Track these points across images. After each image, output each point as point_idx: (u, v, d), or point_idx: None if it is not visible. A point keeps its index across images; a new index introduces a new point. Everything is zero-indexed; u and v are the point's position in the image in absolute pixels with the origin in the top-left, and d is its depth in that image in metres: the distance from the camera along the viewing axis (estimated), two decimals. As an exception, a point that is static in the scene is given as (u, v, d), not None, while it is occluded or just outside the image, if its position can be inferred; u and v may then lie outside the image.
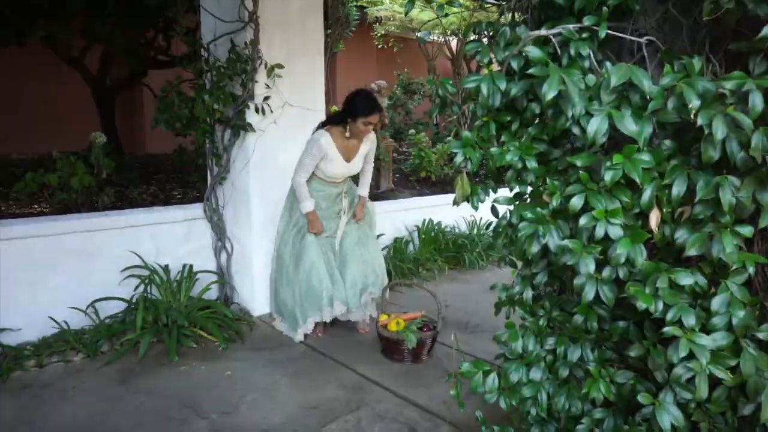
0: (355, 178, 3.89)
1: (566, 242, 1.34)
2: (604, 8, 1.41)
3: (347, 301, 3.62)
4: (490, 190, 1.86)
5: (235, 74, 3.75)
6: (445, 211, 5.74)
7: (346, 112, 3.45)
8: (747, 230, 1.23)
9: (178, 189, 5.73)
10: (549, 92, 1.28)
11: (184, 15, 4.09)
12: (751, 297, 1.31)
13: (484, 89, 1.48)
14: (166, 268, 3.98)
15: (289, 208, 3.79)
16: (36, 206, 4.84)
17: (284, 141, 4.09)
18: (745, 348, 1.26)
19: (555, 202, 1.39)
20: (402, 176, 7.07)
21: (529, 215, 1.45)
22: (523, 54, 1.47)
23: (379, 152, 6.16)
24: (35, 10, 4.22)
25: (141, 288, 3.78)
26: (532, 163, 1.50)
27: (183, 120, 3.76)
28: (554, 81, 1.28)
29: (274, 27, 3.93)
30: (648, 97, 1.26)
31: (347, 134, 3.49)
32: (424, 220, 5.65)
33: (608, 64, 1.30)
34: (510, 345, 1.67)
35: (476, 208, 1.75)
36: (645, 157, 1.26)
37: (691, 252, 1.26)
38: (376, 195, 5.95)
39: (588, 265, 1.31)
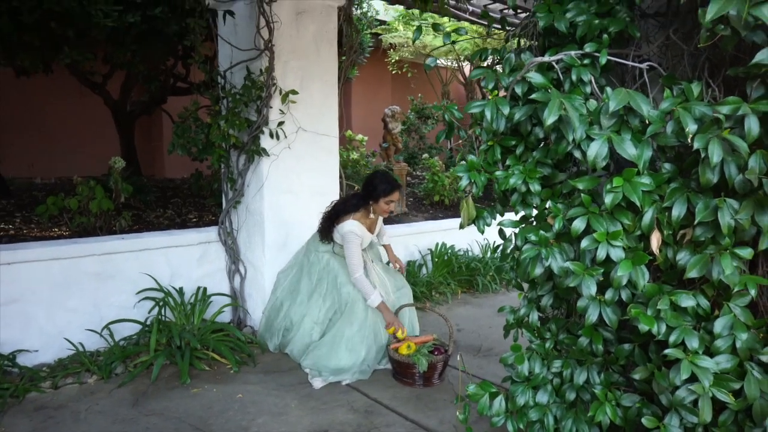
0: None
1: (568, 264, 1.35)
2: (605, 36, 1.45)
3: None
4: (497, 214, 1.89)
5: (250, 100, 3.85)
6: (458, 234, 5.74)
7: (368, 195, 3.54)
8: (746, 252, 1.23)
9: (194, 213, 5.83)
10: (549, 117, 1.31)
11: (202, 43, 4.22)
12: (756, 320, 1.30)
13: (487, 114, 1.52)
14: (180, 291, 4.03)
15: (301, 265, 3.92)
16: (56, 229, 4.96)
17: (298, 165, 4.17)
18: (749, 371, 1.24)
19: (558, 225, 1.41)
20: (416, 200, 7.11)
21: (532, 238, 1.47)
22: (527, 80, 1.51)
23: (393, 176, 6.22)
24: (61, 40, 4.39)
25: (155, 310, 3.83)
26: (535, 186, 1.52)
27: (199, 145, 3.85)
28: (554, 106, 1.31)
29: (289, 54, 4.04)
30: (647, 122, 1.29)
31: (371, 215, 3.62)
32: (437, 243, 5.65)
33: (608, 89, 1.33)
34: (516, 367, 1.67)
35: (482, 232, 1.77)
36: (645, 180, 1.28)
37: (692, 274, 1.26)
38: (389, 219, 5.99)
39: (590, 287, 1.32)
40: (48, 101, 7.72)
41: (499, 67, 1.85)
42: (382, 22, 7.55)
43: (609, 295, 1.35)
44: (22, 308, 3.49)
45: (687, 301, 1.27)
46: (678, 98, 1.28)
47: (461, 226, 1.77)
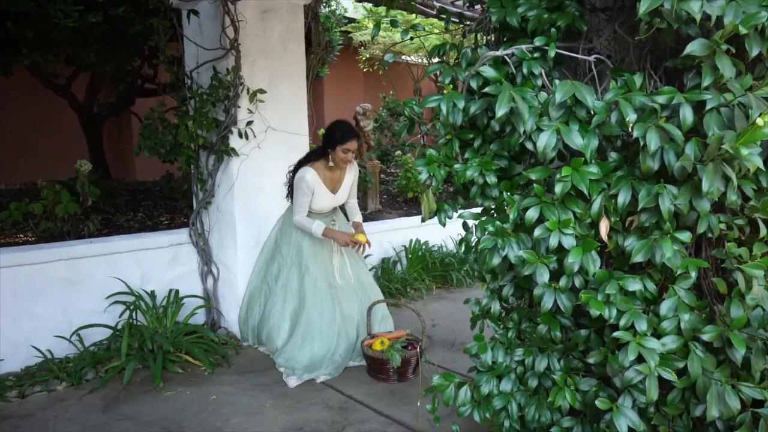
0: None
1: (521, 253, 1.39)
2: (553, 29, 1.48)
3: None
4: (459, 206, 1.92)
5: (218, 100, 3.82)
6: (433, 230, 5.78)
7: (326, 143, 3.54)
8: (685, 236, 1.29)
9: (166, 215, 5.75)
10: (500, 109, 1.34)
11: (168, 44, 4.17)
12: (700, 301, 1.36)
13: (443, 108, 1.54)
14: (152, 294, 3.99)
15: (272, 247, 3.86)
16: (21, 235, 4.84)
17: (268, 164, 4.15)
18: (692, 350, 1.30)
19: (513, 215, 1.44)
20: (389, 197, 7.13)
21: (490, 229, 1.50)
22: (481, 74, 1.54)
23: (366, 174, 6.22)
24: (20, 41, 4.29)
25: (126, 314, 3.78)
26: (492, 179, 1.55)
27: (167, 146, 3.81)
28: (504, 98, 1.34)
29: (256, 54, 4.02)
30: (592, 112, 1.33)
31: (330, 164, 3.55)
32: (411, 240, 5.69)
33: (556, 81, 1.37)
34: (480, 357, 1.70)
35: (443, 224, 1.80)
36: (592, 169, 1.32)
37: (637, 258, 1.31)
38: (363, 216, 5.99)
39: (543, 275, 1.35)
40: (10, 104, 7.52)
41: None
42: (352, 20, 7.55)
43: (563, 282, 1.39)
44: (-15, 317, 3.41)
45: (634, 285, 1.32)
46: (621, 89, 1.32)
47: (423, 220, 1.80)
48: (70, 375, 3.40)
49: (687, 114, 1.20)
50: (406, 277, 5.30)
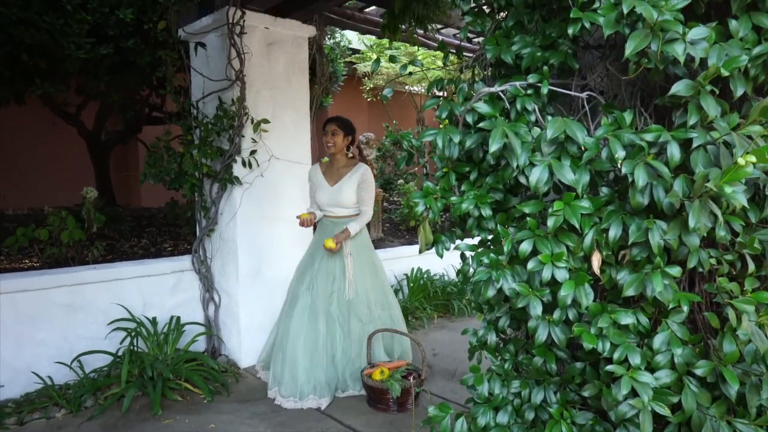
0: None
1: (515, 285, 1.41)
2: (545, 67, 1.53)
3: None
4: (457, 238, 1.94)
5: (222, 130, 3.90)
6: (434, 259, 5.79)
7: None
8: (675, 270, 1.30)
9: (169, 242, 5.79)
10: (493, 144, 1.38)
11: (175, 74, 4.28)
12: (694, 335, 1.36)
13: (439, 142, 1.58)
14: (153, 321, 4.00)
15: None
16: (27, 261, 4.89)
17: (270, 193, 4.20)
18: (687, 385, 1.30)
19: (507, 248, 1.47)
20: (392, 225, 7.16)
21: (485, 261, 1.52)
22: (476, 109, 1.58)
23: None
24: (33, 71, 4.41)
25: (127, 341, 3.78)
26: (486, 211, 1.58)
27: (171, 174, 3.87)
28: (497, 134, 1.38)
29: (261, 84, 4.11)
30: (583, 148, 1.36)
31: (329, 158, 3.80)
32: (413, 268, 5.70)
33: (549, 117, 1.41)
34: (477, 389, 1.70)
35: (441, 256, 1.82)
36: (584, 203, 1.35)
37: (629, 292, 1.32)
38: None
39: (536, 308, 1.37)
40: (20, 132, 7.68)
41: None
42: (356, 51, 7.71)
43: (556, 314, 1.40)
44: (-13, 342, 3.43)
45: (626, 318, 1.33)
46: (612, 126, 1.36)
47: (420, 251, 1.82)
48: (69, 402, 3.39)
49: (674, 151, 1.23)
50: (408, 306, 5.29)
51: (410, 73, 1.99)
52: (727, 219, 1.26)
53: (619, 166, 1.27)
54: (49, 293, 3.66)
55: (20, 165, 7.89)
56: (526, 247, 1.41)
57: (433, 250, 1.84)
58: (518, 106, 1.52)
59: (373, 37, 6.76)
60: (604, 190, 1.42)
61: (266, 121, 3.98)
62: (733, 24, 1.31)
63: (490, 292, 1.48)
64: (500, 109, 1.64)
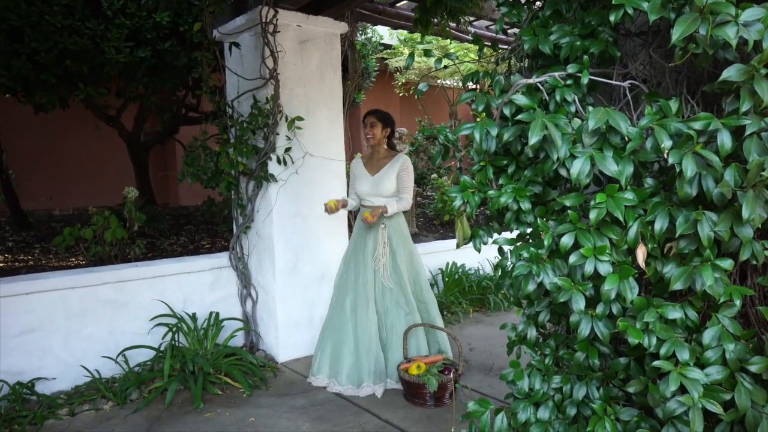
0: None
1: (556, 280, 1.38)
2: (585, 56, 1.49)
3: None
4: (495, 232, 1.92)
5: (257, 128, 3.95)
6: (469, 253, 5.75)
7: None
8: (727, 264, 1.25)
9: (207, 239, 5.93)
10: (533, 137, 1.35)
11: (211, 75, 4.36)
12: (747, 330, 1.31)
13: (476, 136, 1.56)
14: (193, 316, 4.10)
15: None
16: (73, 259, 5.08)
17: (305, 190, 4.24)
18: (740, 382, 1.25)
19: (547, 242, 1.44)
20: (426, 220, 7.14)
21: (524, 255, 1.49)
22: (514, 101, 1.56)
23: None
24: (77, 76, 4.56)
25: (169, 336, 3.89)
26: (525, 205, 1.55)
27: (208, 173, 3.95)
28: (537, 126, 1.35)
29: (294, 82, 4.15)
30: (626, 138, 1.32)
31: (371, 150, 3.83)
32: (448, 263, 5.67)
33: (590, 108, 1.37)
34: (517, 384, 1.68)
35: (479, 250, 1.81)
36: (628, 195, 1.31)
37: (676, 286, 1.28)
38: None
39: (578, 302, 1.34)
40: (64, 135, 7.98)
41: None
42: (388, 47, 7.70)
43: (599, 309, 1.37)
44: (40, 337, 3.58)
45: (674, 313, 1.28)
46: (657, 115, 1.31)
47: (457, 246, 1.81)
48: (115, 395, 3.51)
49: (725, 139, 1.18)
50: (443, 301, 5.27)
51: (445, 67, 1.98)
52: (783, 209, 1.20)
53: (665, 156, 1.22)
54: (96, 290, 3.79)
55: (66, 167, 8.20)
56: (567, 240, 1.38)
57: (470, 244, 1.82)
58: (557, 97, 1.49)
59: (405, 32, 6.73)
60: (649, 181, 1.37)
61: (300, 119, 4.01)
62: (788, 4, 1.24)
63: (531, 287, 1.46)
64: (538, 101, 1.61)
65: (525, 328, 1.72)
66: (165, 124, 6.85)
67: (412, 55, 1.98)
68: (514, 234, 1.83)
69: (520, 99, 1.48)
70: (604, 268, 1.32)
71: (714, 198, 1.22)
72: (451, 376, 3.41)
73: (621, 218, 1.29)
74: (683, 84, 1.47)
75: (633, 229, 1.32)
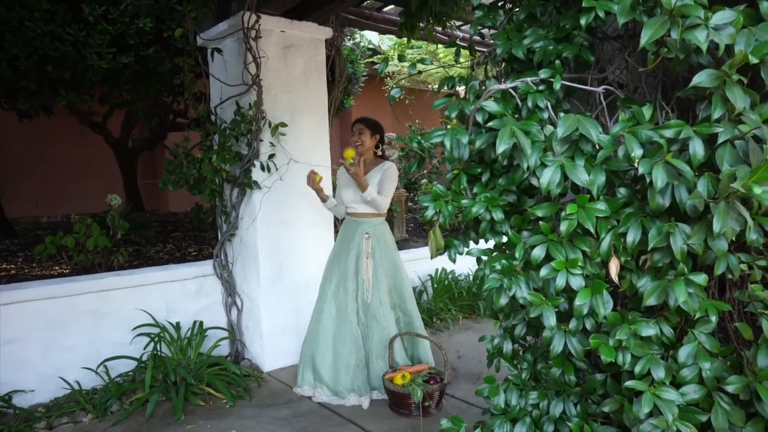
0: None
1: (525, 295, 1.32)
2: (557, 61, 1.44)
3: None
4: (472, 242, 1.86)
5: (240, 134, 3.89)
6: (460, 259, 5.68)
7: None
8: (701, 278, 1.19)
9: (194, 246, 5.86)
10: (500, 145, 1.30)
11: (196, 81, 4.31)
12: (724, 347, 1.26)
13: (447, 143, 1.51)
14: (177, 326, 4.03)
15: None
16: (57, 268, 5.00)
17: (290, 197, 4.18)
18: (717, 402, 1.19)
19: (518, 254, 1.38)
20: (416, 226, 7.09)
21: (497, 267, 1.44)
22: (485, 108, 1.50)
23: (393, 203, 6.20)
24: (58, 82, 4.50)
25: (151, 346, 3.81)
26: (498, 215, 1.50)
27: (191, 181, 3.89)
28: (505, 134, 1.30)
29: (278, 88, 4.09)
30: (598, 147, 1.27)
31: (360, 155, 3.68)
32: (437, 269, 5.61)
33: (561, 114, 1.32)
34: (492, 399, 1.63)
35: (454, 261, 1.75)
36: (599, 206, 1.25)
37: (650, 302, 1.22)
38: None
39: (549, 318, 1.28)
40: (52, 141, 7.90)
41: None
42: (377, 52, 7.65)
43: (572, 324, 1.32)
44: (18, 348, 3.50)
45: (648, 329, 1.23)
46: (629, 122, 1.26)
47: (431, 257, 1.75)
48: (95, 407, 3.43)
49: (697, 148, 1.13)
50: (432, 308, 5.21)
51: (420, 72, 1.93)
52: (758, 221, 1.15)
53: (636, 165, 1.17)
54: (76, 300, 3.72)
55: (54, 174, 8.12)
56: (538, 252, 1.33)
57: (445, 255, 1.77)
58: (529, 104, 1.44)
59: (394, 37, 6.70)
60: (622, 191, 1.32)
61: (284, 125, 3.96)
62: (765, 5, 1.20)
63: (503, 300, 1.40)
64: (513, 108, 1.56)
65: (501, 342, 1.67)
66: (153, 131, 6.78)
67: (386, 61, 1.92)
68: (492, 244, 1.78)
69: (491, 105, 1.43)
70: (576, 282, 1.27)
71: (687, 209, 1.17)
72: (437, 386, 3.34)
73: (592, 230, 1.24)
74: (658, 90, 1.42)
75: (605, 242, 1.26)
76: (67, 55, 4.24)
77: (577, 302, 1.25)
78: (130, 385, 3.62)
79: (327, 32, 4.37)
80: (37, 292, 3.60)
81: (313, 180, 3.54)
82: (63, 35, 4.14)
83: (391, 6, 5.24)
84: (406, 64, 7.56)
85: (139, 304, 3.96)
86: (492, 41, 1.75)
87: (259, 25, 3.84)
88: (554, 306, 1.30)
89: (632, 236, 1.23)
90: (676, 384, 1.22)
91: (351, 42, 6.27)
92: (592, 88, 1.46)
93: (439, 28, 4.51)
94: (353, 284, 3.61)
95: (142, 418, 3.36)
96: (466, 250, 1.78)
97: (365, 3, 5.13)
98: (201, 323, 4.10)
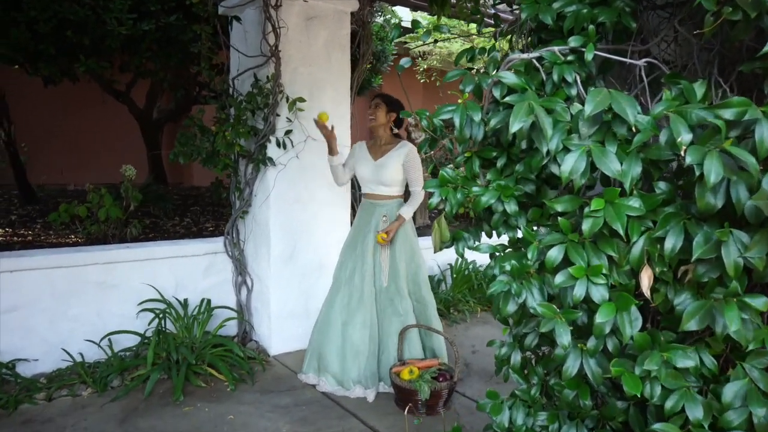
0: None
1: (536, 305, 1.11)
2: (590, 27, 1.20)
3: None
4: (485, 234, 1.65)
5: (257, 108, 3.72)
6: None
7: None
8: (760, 302, 0.95)
9: (212, 221, 5.78)
10: (515, 123, 1.07)
11: (217, 52, 4.15)
12: (781, 386, 1.02)
13: (456, 121, 1.29)
14: (184, 302, 3.94)
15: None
16: (72, 236, 4.98)
17: (306, 175, 4.01)
18: (768, 457, 0.96)
19: (531, 254, 1.17)
20: (440, 212, 6.85)
21: (507, 268, 1.23)
22: (503, 81, 1.28)
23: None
24: (78, 48, 4.41)
25: (156, 322, 3.73)
26: (511, 206, 1.28)
27: (203, 154, 3.75)
28: (521, 110, 1.07)
29: (298, 61, 3.90)
30: (635, 129, 1.03)
31: (376, 135, 3.57)
32: (458, 258, 5.38)
33: (591, 89, 1.08)
34: (495, 418, 1.42)
35: (461, 256, 1.54)
36: (633, 202, 1.02)
37: (690, 326, 0.99)
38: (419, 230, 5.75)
39: (562, 336, 1.06)
40: (78, 109, 7.91)
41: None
42: (409, 30, 7.37)
43: (591, 344, 1.10)
44: (23, 316, 3.46)
45: (684, 360, 0.99)
46: (676, 100, 1.02)
47: (434, 250, 1.55)
48: (96, 381, 3.37)
49: (765, 134, 0.88)
50: (450, 298, 5.01)
51: (436, 42, 1.70)
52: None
53: (682, 153, 0.93)
54: (84, 270, 3.65)
55: (80, 141, 8.15)
56: (555, 255, 1.11)
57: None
58: (555, 77, 1.21)
59: (427, 15, 6.40)
60: (661, 185, 1.08)
61: (302, 100, 3.77)
62: None
63: (511, 307, 1.19)
64: (538, 84, 1.33)
65: (509, 351, 1.46)
66: (178, 102, 6.70)
67: (398, 26, 1.71)
68: (505, 239, 1.56)
69: (509, 77, 1.20)
70: (599, 294, 1.04)
71: (746, 212, 0.92)
72: (445, 384, 3.16)
73: (622, 232, 1.01)
74: (714, 65, 1.17)
75: (637, 247, 1.03)
76: (86, 20, 4.13)
77: (599, 319, 1.03)
78: (132, 361, 3.55)
79: (353, 4, 4.14)
80: (43, 260, 3.54)
81: (322, 125, 3.40)
82: (83, -1, 4.02)
83: (424, -20, 4.96)
84: (439, 45, 7.25)
85: (148, 279, 3.87)
86: (494, 13, 1.52)
87: (281, -8, 3.64)
88: (570, 320, 1.09)
89: (672, 242, 0.99)
90: (718, 429, 0.99)
91: (381, 19, 6.01)
92: (632, 61, 1.21)
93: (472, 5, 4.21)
94: (370, 269, 3.44)
95: (141, 396, 3.28)
96: (478, 243, 1.56)
97: (396, -24, 4.87)
98: (209, 301, 4.00)
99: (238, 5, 3.94)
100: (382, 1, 5.17)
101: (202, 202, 6.49)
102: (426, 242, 5.33)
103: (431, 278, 5.09)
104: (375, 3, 5.23)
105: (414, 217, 6.29)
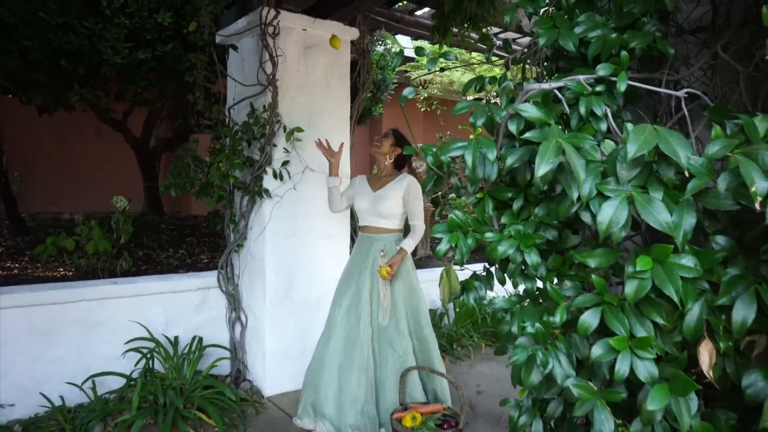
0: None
1: (570, 383, 0.93)
2: (623, 53, 1.05)
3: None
4: (499, 282, 1.47)
5: (252, 138, 3.59)
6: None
7: None
8: None
9: (207, 253, 5.60)
10: (541, 164, 0.91)
11: (214, 81, 4.05)
12: None
13: (468, 159, 1.13)
14: (174, 341, 3.73)
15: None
16: (61, 269, 4.79)
17: (303, 207, 3.85)
18: None
19: (560, 317, 0.99)
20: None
21: (529, 329, 1.05)
22: (521, 114, 1.13)
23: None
24: (72, 77, 4.31)
25: (142, 363, 3.52)
26: (533, 258, 1.11)
27: (196, 185, 3.60)
28: (549, 150, 0.91)
29: (296, 90, 3.78)
30: (687, 173, 0.87)
31: (379, 167, 3.51)
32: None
33: (628, 125, 0.93)
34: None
35: (473, 307, 1.36)
36: (687, 261, 0.85)
37: (766, 424, 0.81)
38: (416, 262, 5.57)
39: (603, 422, 0.88)
40: (74, 138, 7.81)
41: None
42: (410, 59, 7.33)
43: (636, 428, 0.91)
44: (0, 357, 3.25)
45: (758, 457, 0.82)
46: (735, 138, 0.86)
47: (443, 303, 1.37)
48: (76, 428, 3.14)
49: None
50: (453, 333, 4.79)
51: (442, 68, 1.56)
52: None
53: (757, 205, 0.77)
54: (65, 308, 3.46)
55: (75, 171, 8.03)
56: (590, 320, 0.93)
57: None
58: (581, 110, 1.05)
59: (428, 44, 6.35)
60: (720, 240, 0.91)
61: (299, 130, 3.63)
62: None
63: (535, 378, 1.01)
64: (557, 116, 1.18)
65: (529, 420, 1.26)
66: (176, 131, 6.59)
67: (401, 53, 1.57)
68: (521, 288, 1.38)
69: (529, 110, 1.05)
70: (645, 371, 0.86)
71: (838, 280, 0.76)
72: (451, 431, 2.93)
73: (676, 298, 0.84)
74: (765, 95, 1.01)
75: (693, 315, 0.86)
76: (81, 49, 4.03)
77: (650, 406, 0.84)
78: (116, 405, 3.33)
79: (353, 33, 4.05)
80: (22, 297, 3.34)
81: (324, 147, 3.41)
82: (78, 28, 3.93)
83: (425, 9, 4.90)
84: (440, 73, 7.20)
85: (136, 316, 3.68)
86: (504, 40, 1.38)
87: (278, 21, 3.55)
88: (611, 401, 0.90)
89: (742, 314, 0.81)
90: None
91: (382, 48, 5.94)
92: (669, 92, 1.06)
93: (476, 36, 4.13)
94: (367, 307, 3.24)
95: (125, 444, 3.05)
96: (490, 292, 1.39)
97: (397, 5, 4.80)
98: (200, 339, 3.79)
99: (235, 34, 3.85)
100: (382, 30, 5.10)
101: (198, 233, 6.32)
102: (428, 274, 5.15)
103: (433, 312, 4.88)
104: (375, 32, 5.16)
105: (415, 250, 6.12)
